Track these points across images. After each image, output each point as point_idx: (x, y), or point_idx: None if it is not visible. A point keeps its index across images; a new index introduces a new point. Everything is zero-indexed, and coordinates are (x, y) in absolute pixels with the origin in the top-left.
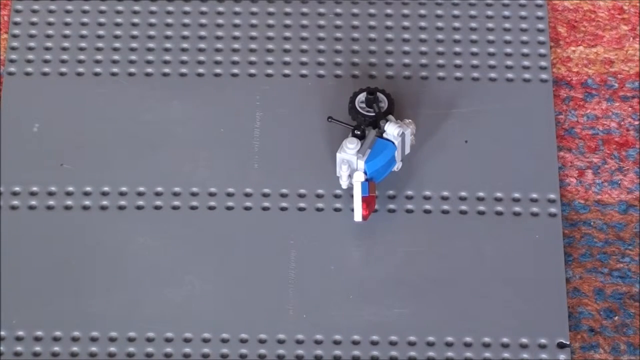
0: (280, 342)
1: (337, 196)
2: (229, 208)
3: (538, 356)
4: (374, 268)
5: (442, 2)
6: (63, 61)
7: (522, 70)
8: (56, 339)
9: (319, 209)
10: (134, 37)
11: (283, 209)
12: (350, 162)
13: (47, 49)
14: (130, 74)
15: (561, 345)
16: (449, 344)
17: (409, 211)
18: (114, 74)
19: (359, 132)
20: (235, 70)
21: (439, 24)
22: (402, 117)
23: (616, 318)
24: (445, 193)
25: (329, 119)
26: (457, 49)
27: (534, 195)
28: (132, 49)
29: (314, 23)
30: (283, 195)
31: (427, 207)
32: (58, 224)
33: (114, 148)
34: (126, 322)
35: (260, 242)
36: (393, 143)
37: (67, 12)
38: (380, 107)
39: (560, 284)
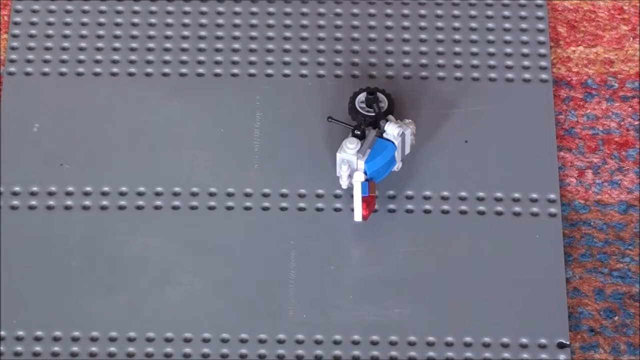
0: (280, 342)
1: (337, 196)
2: (229, 208)
3: (538, 356)
4: (374, 268)
5: (442, 2)
6: (63, 61)
7: (522, 70)
8: (56, 339)
9: (319, 209)
10: (134, 37)
11: (283, 209)
12: (350, 162)
13: (47, 49)
14: (130, 74)
15: (561, 345)
16: (449, 344)
17: (409, 211)
18: (114, 74)
19: (359, 132)
20: (235, 70)
21: (439, 24)
22: (402, 117)
23: (616, 318)
24: (445, 193)
25: (329, 119)
26: (457, 49)
27: (534, 195)
28: (132, 49)
29: (314, 23)
30: (283, 195)
31: (427, 207)
32: (58, 224)
33: (114, 148)
34: (126, 322)
35: (260, 242)
36: (393, 143)
37: (67, 12)
38: (380, 107)
39: (560, 284)
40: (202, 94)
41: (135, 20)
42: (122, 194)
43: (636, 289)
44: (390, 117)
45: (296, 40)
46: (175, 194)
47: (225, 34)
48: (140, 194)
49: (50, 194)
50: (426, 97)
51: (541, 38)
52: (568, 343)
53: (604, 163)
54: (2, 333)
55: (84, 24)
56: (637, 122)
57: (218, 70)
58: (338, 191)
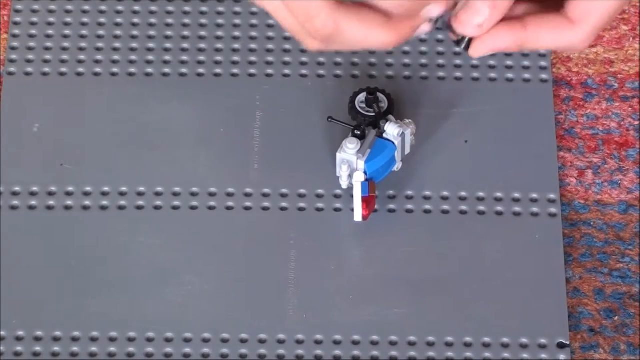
0: (280, 342)
1: (337, 196)
2: (229, 208)
3: (538, 356)
4: (374, 268)
5: None
6: (63, 61)
7: (522, 70)
8: (56, 339)
9: (319, 209)
10: (134, 37)
11: (283, 209)
12: (350, 162)
13: (47, 49)
14: (130, 74)
15: (561, 345)
16: (449, 344)
17: (409, 211)
18: (114, 74)
19: (359, 132)
20: (235, 70)
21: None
22: (402, 117)
23: (616, 318)
24: (445, 193)
25: (329, 119)
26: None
27: (534, 195)
28: (132, 49)
29: None
30: (283, 195)
31: (427, 207)
32: (58, 224)
33: (114, 148)
34: (126, 322)
35: (260, 242)
36: (393, 143)
37: (67, 12)
38: (380, 107)
39: (560, 284)
40: (202, 94)
41: (135, 20)
42: (122, 194)
43: (636, 289)
44: (390, 117)
45: (296, 40)
46: (175, 194)
47: (225, 34)
48: (140, 194)
49: (50, 194)
50: (426, 97)
51: None
52: (568, 343)
53: (604, 163)
54: (2, 333)
55: (84, 24)
56: (637, 122)
57: (218, 70)
58: (338, 191)
